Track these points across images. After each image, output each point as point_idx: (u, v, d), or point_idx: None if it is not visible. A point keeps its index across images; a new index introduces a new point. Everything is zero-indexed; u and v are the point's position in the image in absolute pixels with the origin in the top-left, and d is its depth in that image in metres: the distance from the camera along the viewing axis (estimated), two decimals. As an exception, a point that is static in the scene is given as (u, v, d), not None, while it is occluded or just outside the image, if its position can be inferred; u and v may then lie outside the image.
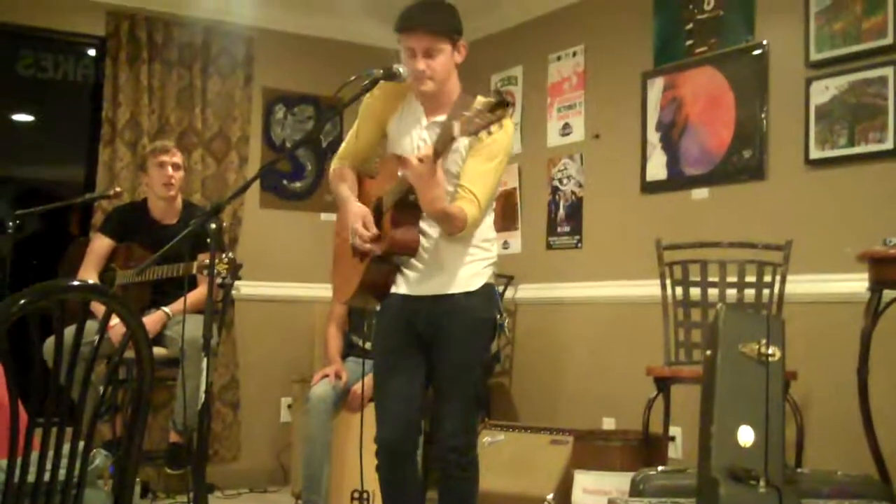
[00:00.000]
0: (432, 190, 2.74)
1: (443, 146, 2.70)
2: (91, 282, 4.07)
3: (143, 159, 4.60)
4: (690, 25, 4.53)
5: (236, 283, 4.30)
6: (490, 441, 4.53)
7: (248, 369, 5.51)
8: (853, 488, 3.01)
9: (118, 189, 4.71)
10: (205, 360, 2.77)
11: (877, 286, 3.24)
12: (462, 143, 2.89)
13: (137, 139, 5.20)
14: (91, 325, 2.05)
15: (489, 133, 2.61)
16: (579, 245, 5.10)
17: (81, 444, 1.78)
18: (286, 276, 5.61)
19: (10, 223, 4.21)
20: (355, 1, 5.39)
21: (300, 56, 5.82)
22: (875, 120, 3.73)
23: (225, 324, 4.99)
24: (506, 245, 5.41)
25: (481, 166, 2.90)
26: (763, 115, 4.17)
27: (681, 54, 4.58)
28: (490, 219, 3.10)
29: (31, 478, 1.70)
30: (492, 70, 5.70)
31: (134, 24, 5.24)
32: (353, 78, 3.01)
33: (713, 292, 3.93)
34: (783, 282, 3.81)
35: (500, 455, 4.42)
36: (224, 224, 5.26)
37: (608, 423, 4.73)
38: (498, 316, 3.06)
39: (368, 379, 4.42)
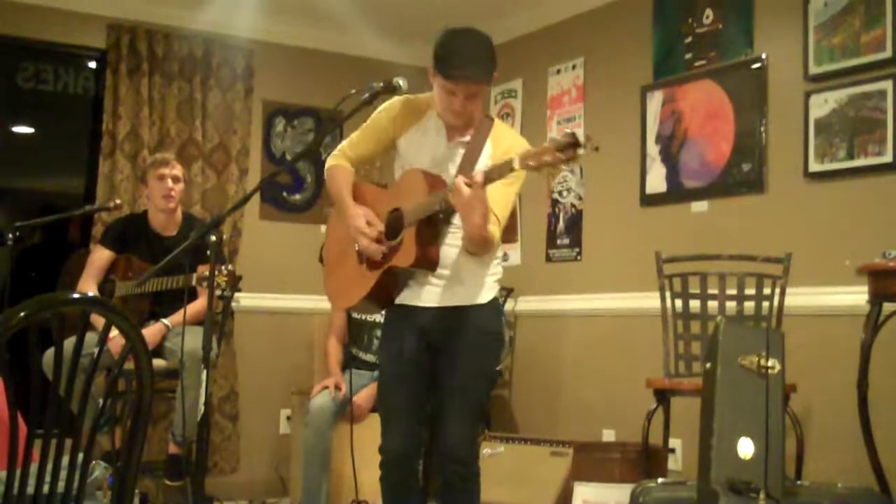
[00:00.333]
0: (479, 216, 2.74)
1: (497, 176, 2.69)
2: (91, 294, 4.08)
3: (143, 172, 4.60)
4: (690, 39, 4.55)
5: (236, 294, 4.30)
6: (490, 453, 4.52)
7: (247, 381, 5.51)
8: (853, 500, 3.00)
9: (118, 201, 4.71)
10: (204, 371, 2.77)
11: (876, 299, 3.24)
12: (487, 162, 2.92)
13: (137, 151, 5.21)
14: (91, 337, 2.06)
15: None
16: (579, 257, 5.10)
17: (81, 455, 1.78)
18: (286, 288, 5.61)
19: (10, 235, 4.21)
20: (355, 14, 5.41)
21: (300, 69, 5.84)
22: (874, 133, 3.74)
23: (224, 336, 4.99)
24: (505, 257, 5.40)
25: (504, 188, 2.89)
26: (762, 129, 4.18)
27: (680, 68, 4.59)
28: None
29: (30, 489, 1.70)
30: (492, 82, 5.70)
31: (134, 37, 5.25)
32: (353, 91, 3.01)
33: (713, 305, 3.92)
34: (783, 294, 3.81)
35: (500, 467, 4.41)
36: (224, 236, 5.27)
37: (608, 435, 4.73)
38: (504, 330, 3.08)
39: (368, 390, 4.44)
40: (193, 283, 4.10)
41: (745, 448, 2.75)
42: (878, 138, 3.72)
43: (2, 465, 1.76)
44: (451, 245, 2.99)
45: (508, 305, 5.24)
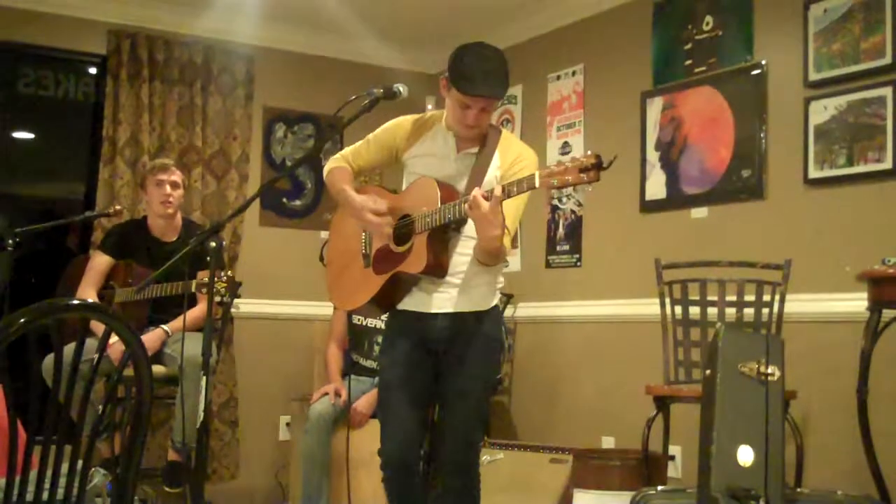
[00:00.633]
0: (495, 228, 2.76)
1: (517, 192, 2.71)
2: (90, 300, 4.08)
3: (142, 177, 4.61)
4: (689, 45, 4.55)
5: (235, 301, 4.31)
6: (489, 459, 4.52)
7: (246, 387, 5.50)
8: (853, 508, 3.00)
9: (118, 207, 4.71)
10: (204, 378, 2.77)
11: (876, 305, 3.24)
12: (496, 172, 2.97)
13: (137, 157, 5.21)
14: (90, 343, 2.05)
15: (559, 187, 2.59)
16: (578, 264, 5.10)
17: (80, 462, 1.78)
18: (285, 295, 5.61)
19: (10, 240, 4.21)
20: (356, 20, 5.42)
21: (300, 75, 5.84)
22: (874, 140, 3.74)
23: (224, 342, 4.99)
24: (505, 264, 5.40)
25: (515, 200, 2.90)
26: (762, 135, 4.18)
27: (680, 74, 4.59)
28: None
29: (29, 496, 1.70)
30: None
31: (135, 43, 5.26)
32: (353, 97, 3.02)
33: (712, 311, 3.92)
34: (782, 301, 3.81)
35: (499, 473, 4.40)
36: (224, 242, 5.27)
37: (607, 442, 4.72)
38: (504, 336, 3.10)
39: (369, 396, 4.44)
40: (193, 289, 4.11)
41: (745, 455, 2.74)
42: (877, 145, 3.73)
43: (1, 471, 1.76)
44: (461, 254, 3.02)
45: (508, 312, 5.23)
